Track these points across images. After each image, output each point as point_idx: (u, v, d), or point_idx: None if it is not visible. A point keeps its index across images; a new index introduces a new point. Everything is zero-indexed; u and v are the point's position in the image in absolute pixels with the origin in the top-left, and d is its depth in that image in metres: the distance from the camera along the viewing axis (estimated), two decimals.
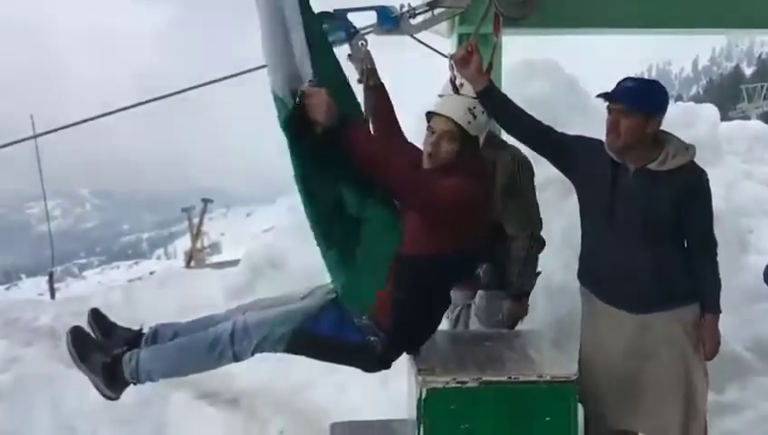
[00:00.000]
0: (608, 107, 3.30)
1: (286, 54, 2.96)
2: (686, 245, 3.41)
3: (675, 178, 3.26)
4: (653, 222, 3.30)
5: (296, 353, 3.14)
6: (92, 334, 3.27)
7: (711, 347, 3.40)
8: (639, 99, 3.25)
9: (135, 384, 3.17)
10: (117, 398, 3.19)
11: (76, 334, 3.17)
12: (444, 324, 3.69)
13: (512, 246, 4.06)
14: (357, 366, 3.28)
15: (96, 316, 3.33)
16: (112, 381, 3.12)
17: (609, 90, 3.32)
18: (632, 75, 3.50)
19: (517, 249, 4.04)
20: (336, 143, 2.92)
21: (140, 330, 3.34)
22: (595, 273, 3.57)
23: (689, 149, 3.33)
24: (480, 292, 4.20)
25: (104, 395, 3.16)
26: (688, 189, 3.28)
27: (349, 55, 3.52)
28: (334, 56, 3.29)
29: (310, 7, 3.16)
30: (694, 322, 3.39)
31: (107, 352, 3.16)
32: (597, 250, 3.53)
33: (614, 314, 3.46)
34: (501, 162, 3.99)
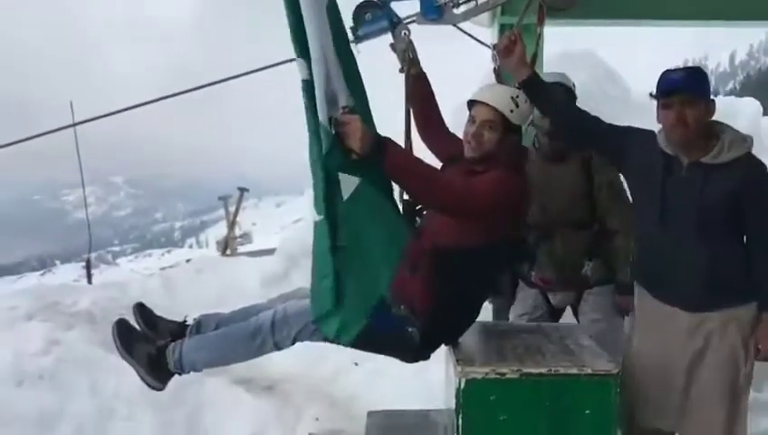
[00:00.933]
0: (663, 102, 3.17)
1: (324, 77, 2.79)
2: (744, 241, 3.26)
3: (731, 170, 3.12)
4: (708, 218, 3.17)
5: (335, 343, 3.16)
6: (138, 326, 3.33)
7: (767, 348, 3.22)
8: (699, 85, 3.16)
9: (180, 375, 3.23)
10: (162, 388, 3.24)
11: (121, 327, 3.23)
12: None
13: (615, 241, 4.07)
14: (395, 356, 3.29)
15: (141, 309, 3.39)
16: (157, 371, 3.18)
17: (653, 85, 3.22)
18: (691, 66, 3.37)
19: (620, 243, 4.04)
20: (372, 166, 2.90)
21: (185, 321, 3.41)
22: (649, 269, 3.47)
23: (746, 140, 3.20)
24: (593, 289, 4.19)
25: (149, 385, 3.21)
26: (747, 182, 3.13)
27: (391, 44, 3.52)
28: (358, 70, 3.11)
29: (339, 18, 3.01)
30: (750, 322, 3.24)
31: (152, 343, 3.23)
32: (650, 246, 3.42)
33: (668, 311, 3.35)
34: (598, 159, 4.00)
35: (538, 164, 3.85)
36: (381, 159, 2.85)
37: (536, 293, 4.24)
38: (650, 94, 3.27)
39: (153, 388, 3.22)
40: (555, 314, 4.22)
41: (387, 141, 2.88)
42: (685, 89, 3.12)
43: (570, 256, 3.94)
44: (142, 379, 3.19)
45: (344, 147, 2.79)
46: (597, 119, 3.54)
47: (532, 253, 4.12)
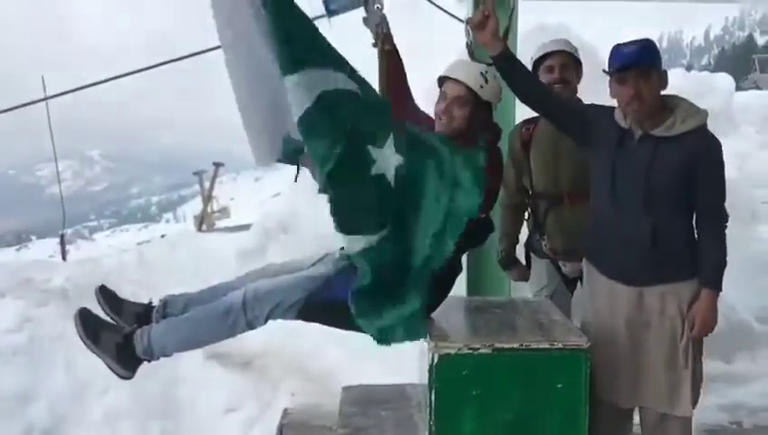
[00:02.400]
0: (617, 78, 3.17)
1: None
2: (688, 216, 3.26)
3: (683, 144, 3.12)
4: (654, 191, 3.17)
5: (309, 320, 3.14)
6: (102, 309, 3.24)
7: (702, 324, 3.20)
8: (652, 57, 3.16)
9: (149, 362, 3.12)
10: (131, 376, 3.13)
11: (84, 317, 3.10)
12: None
13: None
14: None
15: (104, 293, 3.30)
16: (125, 360, 3.07)
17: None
18: (641, 39, 3.36)
19: None
20: None
21: (150, 303, 3.31)
22: (595, 242, 3.49)
23: (700, 112, 3.19)
24: None
25: (118, 375, 3.10)
26: (698, 157, 3.13)
27: (364, 18, 3.48)
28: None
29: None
30: (689, 298, 3.24)
31: (118, 331, 3.13)
32: (600, 221, 3.43)
33: (611, 287, 3.37)
34: None
35: (549, 134, 3.85)
36: None
37: (547, 263, 4.23)
38: (603, 70, 3.26)
39: (122, 377, 3.11)
40: (569, 283, 4.22)
41: None
42: (639, 62, 3.12)
43: (579, 226, 3.95)
44: (110, 368, 3.08)
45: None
46: (562, 98, 3.58)
47: (541, 222, 4.13)
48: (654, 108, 3.17)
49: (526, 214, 4.32)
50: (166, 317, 3.22)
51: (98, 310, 3.26)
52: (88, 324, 3.08)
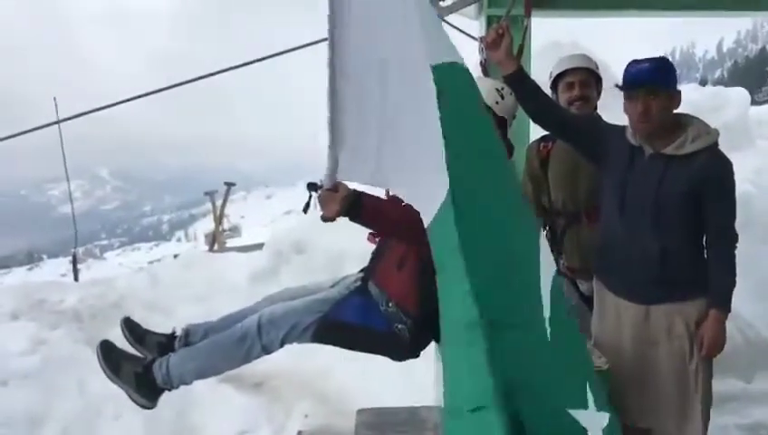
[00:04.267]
0: (627, 95, 3.16)
1: None
2: (703, 236, 3.21)
3: (694, 163, 3.09)
4: (663, 209, 3.14)
5: (324, 343, 3.10)
6: (127, 340, 3.25)
7: (710, 345, 3.16)
8: (663, 76, 3.13)
9: (170, 390, 3.11)
10: (152, 406, 3.11)
11: (105, 348, 3.11)
12: None
13: None
14: (385, 354, 3.25)
15: (128, 324, 3.31)
16: (145, 389, 3.07)
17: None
18: (656, 57, 3.35)
19: None
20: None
21: (173, 333, 3.31)
22: (605, 260, 3.45)
23: (711, 133, 3.16)
24: None
25: (140, 405, 3.09)
26: (709, 176, 3.09)
27: None
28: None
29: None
30: (696, 317, 3.19)
31: (138, 361, 3.14)
32: (609, 238, 3.40)
33: (618, 304, 3.34)
34: None
35: (567, 151, 3.82)
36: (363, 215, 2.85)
37: (566, 282, 4.19)
38: (616, 85, 3.24)
39: (143, 406, 3.09)
40: (587, 301, 4.18)
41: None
42: (649, 81, 3.10)
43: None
44: (131, 398, 3.07)
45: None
46: (575, 116, 3.56)
47: (559, 241, 4.09)
48: (664, 126, 3.14)
49: (544, 232, 4.28)
50: (188, 345, 3.21)
51: (114, 332, 3.29)
52: (109, 356, 3.09)
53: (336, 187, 2.79)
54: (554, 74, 4.05)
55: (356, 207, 2.82)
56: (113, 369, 3.06)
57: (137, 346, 3.26)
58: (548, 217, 4.16)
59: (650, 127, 3.12)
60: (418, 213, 2.58)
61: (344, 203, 2.79)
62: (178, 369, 3.06)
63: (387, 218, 2.91)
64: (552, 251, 4.13)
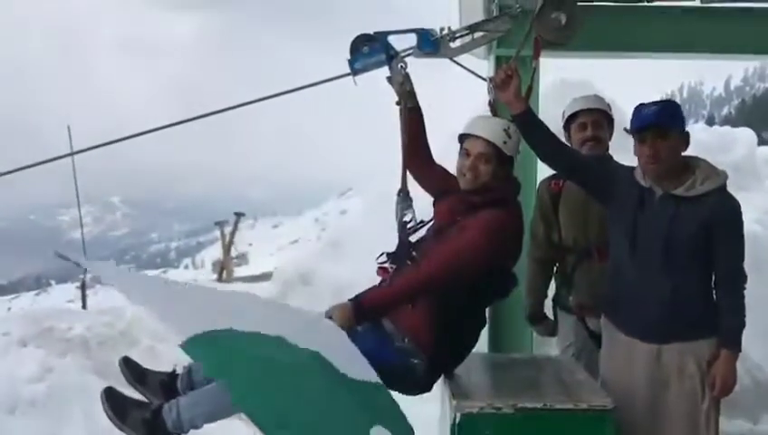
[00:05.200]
0: (637, 137, 3.23)
1: None
2: (713, 276, 3.27)
3: (704, 204, 3.16)
4: (674, 250, 3.19)
5: None
6: (126, 380, 3.21)
7: (723, 386, 3.21)
8: (671, 119, 3.20)
9: None
10: None
11: (110, 395, 3.04)
12: None
13: None
14: (397, 389, 3.25)
15: (128, 363, 3.26)
16: None
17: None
18: (663, 95, 3.42)
19: None
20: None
21: (174, 371, 3.27)
22: (615, 299, 3.48)
23: (720, 174, 3.23)
24: None
25: None
26: (718, 217, 3.16)
27: (388, 78, 3.52)
28: None
29: None
30: (707, 357, 3.23)
31: (145, 407, 3.06)
32: (619, 278, 3.43)
33: (629, 344, 3.36)
34: None
35: (578, 188, 3.85)
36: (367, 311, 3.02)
37: (575, 320, 4.20)
38: (625, 129, 3.31)
39: None
40: (595, 340, 4.18)
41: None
42: (656, 124, 3.17)
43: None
44: None
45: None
46: (583, 156, 3.64)
47: (569, 278, 4.12)
48: (673, 167, 3.21)
49: (555, 269, 4.30)
50: (191, 383, 3.17)
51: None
52: (114, 403, 3.02)
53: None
54: (567, 115, 4.10)
55: (361, 314, 3.00)
56: (120, 416, 2.99)
57: (137, 386, 3.21)
58: (558, 254, 4.18)
59: (659, 168, 3.19)
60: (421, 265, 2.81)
61: (351, 317, 2.96)
62: (189, 413, 2.98)
63: (396, 300, 3.10)
64: (561, 288, 4.18)
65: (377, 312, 3.08)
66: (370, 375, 2.72)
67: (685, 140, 3.23)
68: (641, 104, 3.28)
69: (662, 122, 3.18)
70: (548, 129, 3.44)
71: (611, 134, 4.11)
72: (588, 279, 4.05)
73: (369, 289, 3.14)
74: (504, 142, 3.22)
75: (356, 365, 2.72)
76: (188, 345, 2.40)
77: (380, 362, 2.99)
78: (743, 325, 3.23)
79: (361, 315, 2.98)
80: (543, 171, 4.30)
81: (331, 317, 2.94)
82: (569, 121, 4.10)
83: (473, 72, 3.70)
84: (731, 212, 3.21)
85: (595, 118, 4.04)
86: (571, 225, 4.08)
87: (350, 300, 3.01)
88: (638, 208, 3.27)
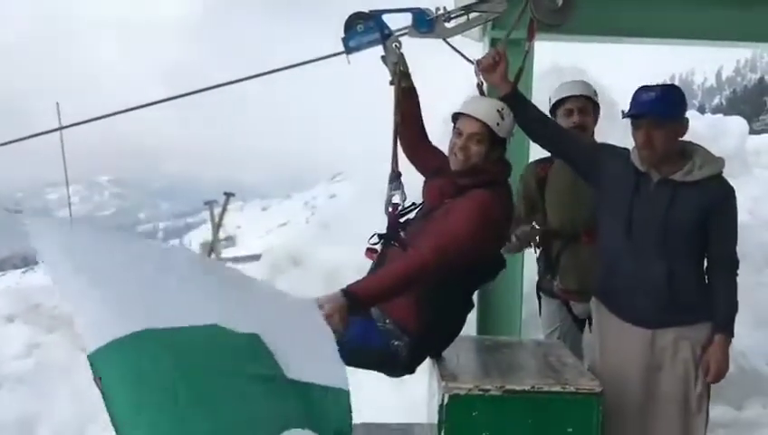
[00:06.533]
0: (633, 123, 3.22)
1: None
2: (704, 261, 3.30)
3: (700, 190, 3.17)
4: (670, 235, 3.20)
5: None
6: None
7: (716, 370, 3.23)
8: (668, 107, 3.18)
9: None
10: None
11: None
12: None
13: None
14: (381, 371, 3.27)
15: None
16: None
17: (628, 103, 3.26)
18: (653, 83, 3.39)
19: None
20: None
21: None
22: (608, 284, 3.48)
23: (718, 161, 3.24)
24: None
25: None
26: (714, 204, 3.18)
27: (382, 57, 3.50)
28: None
29: None
30: (701, 342, 3.26)
31: None
32: (612, 262, 3.43)
33: (622, 328, 3.37)
34: None
35: (566, 172, 3.84)
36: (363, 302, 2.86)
37: (558, 304, 4.22)
38: (623, 112, 3.30)
39: None
40: (579, 324, 4.20)
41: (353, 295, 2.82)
42: (652, 112, 3.16)
43: (595, 265, 3.94)
44: None
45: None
46: (574, 135, 3.64)
47: (553, 262, 4.14)
48: (668, 154, 3.20)
49: (537, 253, 4.31)
50: None
51: None
52: None
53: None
54: (553, 100, 4.10)
55: (356, 305, 2.81)
56: None
57: None
58: (542, 238, 4.18)
59: (654, 155, 3.19)
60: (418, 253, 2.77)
61: (343, 313, 2.74)
62: None
63: (391, 291, 2.95)
64: (545, 273, 4.19)
65: (372, 304, 3.00)
66: (328, 378, 2.44)
67: (683, 127, 3.22)
68: (642, 88, 3.26)
69: (658, 111, 3.15)
70: (536, 109, 3.44)
71: (596, 121, 4.11)
72: (575, 263, 4.06)
73: (361, 280, 2.98)
74: (498, 124, 3.20)
75: (312, 363, 2.42)
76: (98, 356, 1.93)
77: (363, 345, 3.00)
78: (735, 310, 3.25)
79: (356, 310, 2.84)
80: (535, 155, 4.30)
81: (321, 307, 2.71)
82: (555, 107, 4.10)
83: (461, 54, 3.67)
84: (729, 198, 3.22)
85: (581, 104, 4.04)
86: (559, 208, 4.09)
87: (342, 292, 2.79)
88: (634, 193, 3.27)
